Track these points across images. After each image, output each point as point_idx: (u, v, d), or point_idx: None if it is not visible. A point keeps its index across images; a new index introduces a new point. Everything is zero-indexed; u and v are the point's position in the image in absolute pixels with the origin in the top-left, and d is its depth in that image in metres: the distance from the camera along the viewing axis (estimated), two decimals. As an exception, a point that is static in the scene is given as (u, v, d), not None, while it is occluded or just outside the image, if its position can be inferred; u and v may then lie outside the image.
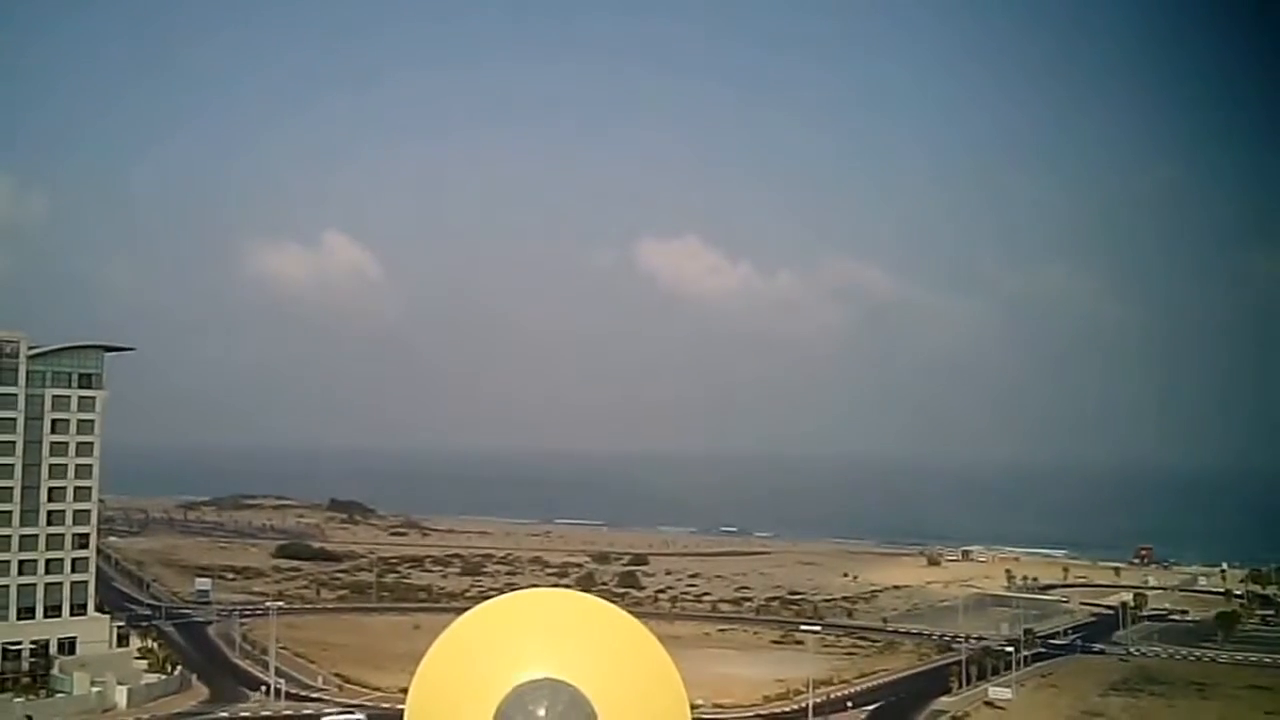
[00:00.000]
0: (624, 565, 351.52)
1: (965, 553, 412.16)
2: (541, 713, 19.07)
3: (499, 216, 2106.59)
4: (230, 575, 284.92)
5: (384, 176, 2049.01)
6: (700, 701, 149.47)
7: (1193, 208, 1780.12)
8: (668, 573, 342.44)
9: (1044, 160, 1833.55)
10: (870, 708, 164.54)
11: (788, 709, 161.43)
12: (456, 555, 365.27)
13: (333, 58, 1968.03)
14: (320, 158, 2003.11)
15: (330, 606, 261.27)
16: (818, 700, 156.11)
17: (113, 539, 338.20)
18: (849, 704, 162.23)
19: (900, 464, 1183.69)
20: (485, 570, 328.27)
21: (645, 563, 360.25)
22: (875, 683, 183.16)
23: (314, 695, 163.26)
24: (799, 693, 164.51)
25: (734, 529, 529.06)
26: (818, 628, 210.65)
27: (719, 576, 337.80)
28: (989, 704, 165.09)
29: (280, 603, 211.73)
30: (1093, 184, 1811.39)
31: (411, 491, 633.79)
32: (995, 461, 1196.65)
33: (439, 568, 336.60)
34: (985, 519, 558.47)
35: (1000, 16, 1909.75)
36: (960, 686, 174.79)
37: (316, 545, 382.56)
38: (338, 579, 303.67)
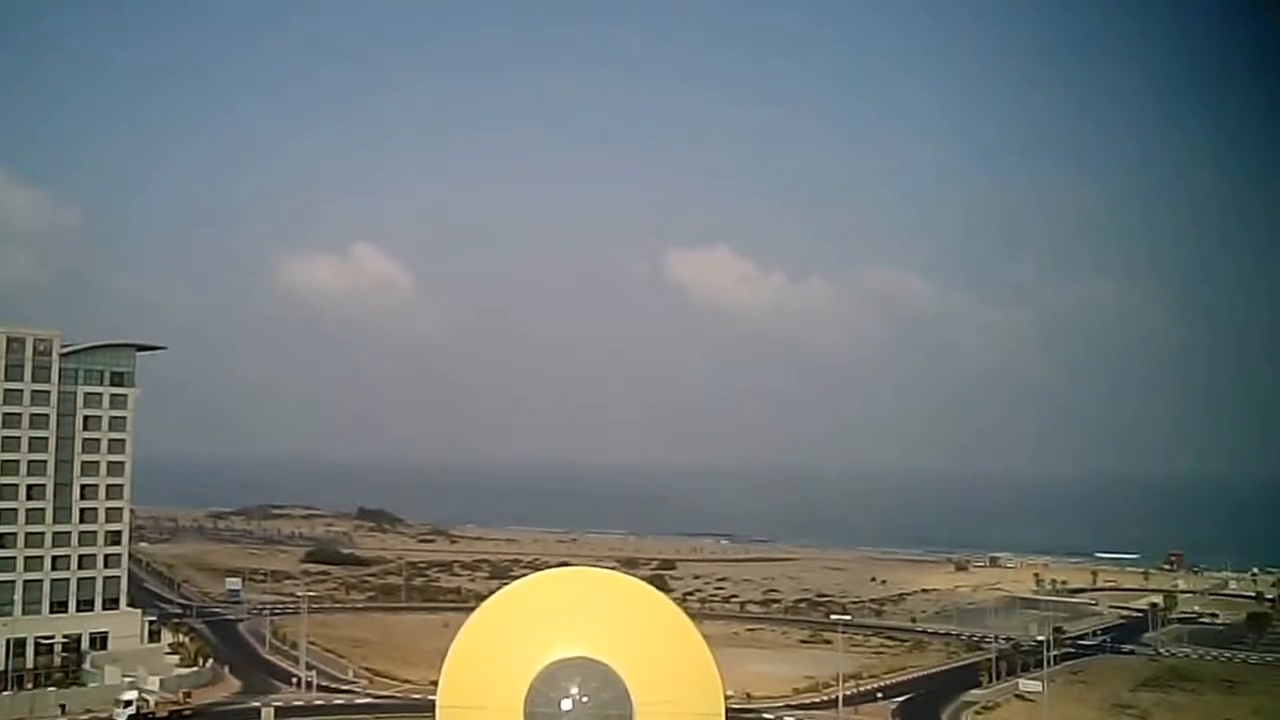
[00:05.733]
0: (652, 570, 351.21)
1: (993, 559, 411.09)
2: (574, 690, 21.23)
3: (528, 229, 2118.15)
4: (260, 578, 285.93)
5: (415, 190, 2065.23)
6: (730, 693, 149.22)
7: (1233, 215, 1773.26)
8: (695, 577, 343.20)
9: (1079, 166, 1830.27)
10: (900, 699, 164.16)
11: (816, 700, 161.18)
12: (484, 560, 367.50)
13: (365, 72, 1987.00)
14: (352, 172, 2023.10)
15: (360, 606, 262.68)
16: (847, 692, 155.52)
17: (144, 545, 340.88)
18: (879, 695, 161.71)
19: (930, 473, 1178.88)
20: (513, 574, 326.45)
21: (673, 567, 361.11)
22: (904, 678, 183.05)
23: (344, 688, 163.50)
24: (828, 686, 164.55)
25: (763, 537, 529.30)
26: (847, 617, 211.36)
27: (747, 580, 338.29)
28: (1019, 697, 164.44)
29: (312, 592, 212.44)
30: (1132, 190, 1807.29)
31: (439, 501, 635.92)
32: (1026, 470, 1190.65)
33: (467, 572, 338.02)
34: (1016, 527, 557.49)
35: (1045, 26, 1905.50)
36: (990, 681, 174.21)
37: (345, 551, 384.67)
38: (367, 582, 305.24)
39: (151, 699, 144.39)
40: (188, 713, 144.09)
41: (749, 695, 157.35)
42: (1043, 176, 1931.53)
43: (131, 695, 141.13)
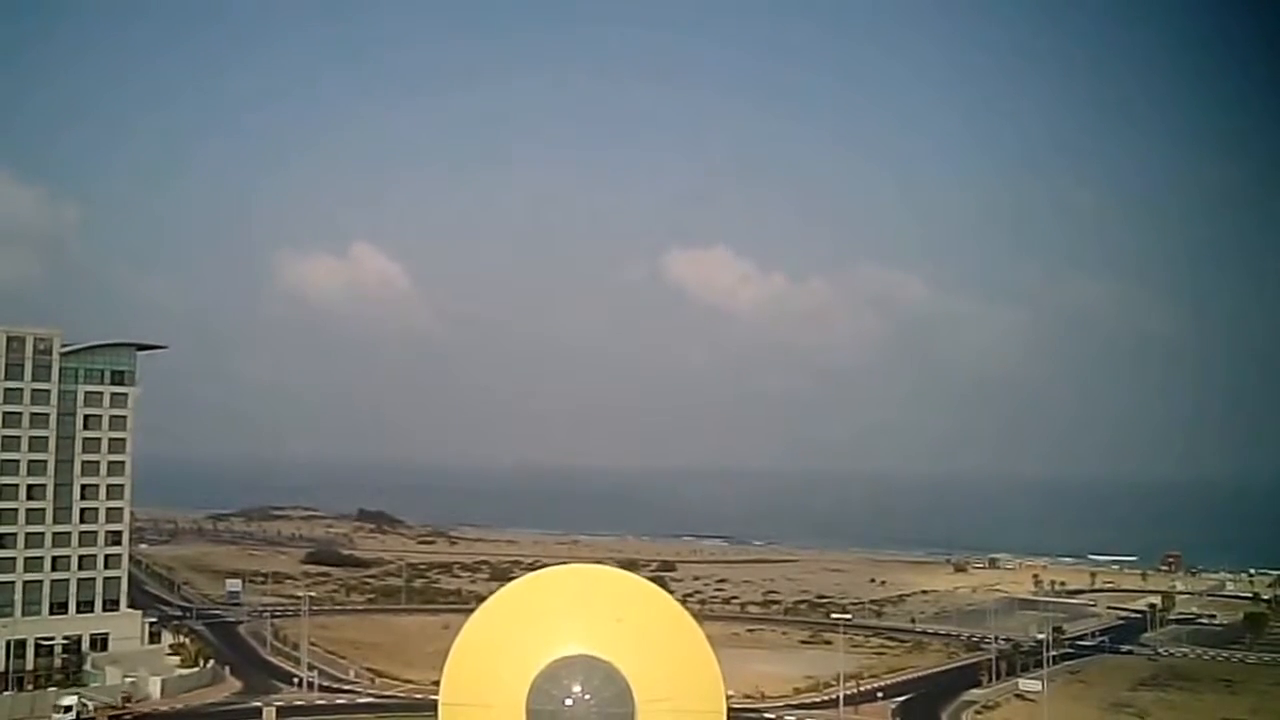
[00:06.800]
0: (652, 571, 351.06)
1: (992, 560, 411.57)
2: (577, 688, 21.83)
3: (528, 230, 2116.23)
4: (260, 580, 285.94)
5: (416, 192, 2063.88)
6: (730, 693, 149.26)
7: (1242, 216, 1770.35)
8: (695, 578, 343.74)
9: (1087, 165, 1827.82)
10: (901, 699, 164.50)
11: (817, 700, 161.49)
12: (484, 562, 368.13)
13: (366, 74, 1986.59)
14: (352, 173, 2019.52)
15: (360, 608, 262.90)
16: (848, 692, 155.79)
17: (143, 546, 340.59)
18: (879, 695, 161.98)
19: (930, 475, 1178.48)
20: (512, 576, 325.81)
21: (673, 569, 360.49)
22: (904, 678, 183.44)
23: (346, 688, 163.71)
24: (828, 686, 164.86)
25: (762, 539, 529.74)
26: (848, 617, 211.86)
27: (747, 581, 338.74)
28: (1019, 696, 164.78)
29: (312, 594, 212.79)
30: (1139, 190, 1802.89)
31: (439, 502, 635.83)
32: (1023, 472, 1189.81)
33: (467, 573, 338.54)
34: (1014, 528, 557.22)
35: (1050, 23, 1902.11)
36: (990, 681, 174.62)
37: (345, 552, 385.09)
38: (367, 584, 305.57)
39: (91, 704, 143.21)
40: (127, 718, 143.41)
41: (762, 694, 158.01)
42: (1050, 176, 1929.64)
43: (71, 700, 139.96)
